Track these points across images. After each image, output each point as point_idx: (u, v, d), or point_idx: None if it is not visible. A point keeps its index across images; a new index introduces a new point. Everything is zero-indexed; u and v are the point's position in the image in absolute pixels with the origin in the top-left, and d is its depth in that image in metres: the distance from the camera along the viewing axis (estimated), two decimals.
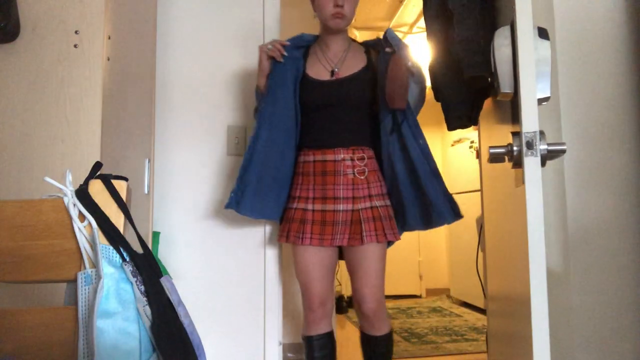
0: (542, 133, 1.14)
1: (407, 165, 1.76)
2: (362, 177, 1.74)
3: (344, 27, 1.82)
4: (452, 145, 4.59)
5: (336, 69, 1.81)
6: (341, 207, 1.72)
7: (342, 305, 4.08)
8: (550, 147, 1.16)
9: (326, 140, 1.77)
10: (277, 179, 1.79)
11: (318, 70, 1.82)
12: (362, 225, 1.70)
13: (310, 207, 1.74)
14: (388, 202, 1.79)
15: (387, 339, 1.79)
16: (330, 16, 1.75)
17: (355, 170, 1.74)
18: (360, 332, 1.83)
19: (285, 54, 1.78)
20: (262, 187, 1.77)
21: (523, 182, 1.14)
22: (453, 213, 1.76)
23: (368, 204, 1.73)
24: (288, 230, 1.75)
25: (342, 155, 1.75)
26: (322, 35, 1.87)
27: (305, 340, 1.78)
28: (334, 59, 1.84)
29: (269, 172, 1.77)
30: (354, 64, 1.82)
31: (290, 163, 1.81)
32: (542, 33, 1.23)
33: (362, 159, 1.76)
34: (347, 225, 1.72)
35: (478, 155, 2.80)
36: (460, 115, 1.80)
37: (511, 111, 1.32)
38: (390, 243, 1.83)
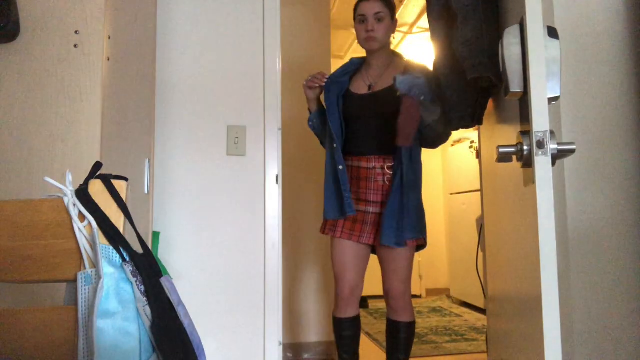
0: (552, 132, 1.13)
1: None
2: (389, 184, 1.92)
3: (377, 48, 2.03)
4: (452, 145, 4.59)
5: (373, 84, 2.03)
6: (371, 209, 1.94)
7: None
8: (560, 147, 1.15)
9: (361, 148, 1.98)
10: (337, 182, 1.98)
11: (359, 85, 2.06)
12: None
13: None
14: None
15: (409, 326, 2.00)
16: (364, 40, 2.01)
17: (386, 177, 1.94)
18: (386, 318, 2.06)
19: (325, 78, 2.00)
20: (328, 191, 2.01)
21: (533, 182, 1.13)
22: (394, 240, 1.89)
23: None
24: (325, 223, 2.01)
25: (373, 164, 1.95)
26: (366, 55, 2.11)
27: (335, 320, 2.03)
28: (373, 74, 2.06)
29: (332, 178, 2.00)
30: (390, 79, 1.95)
31: (344, 168, 1.98)
32: (552, 32, 1.23)
33: (392, 168, 1.94)
34: (374, 226, 1.94)
35: (478, 155, 2.80)
36: (463, 115, 1.79)
37: (520, 110, 1.31)
38: (421, 247, 2.02)
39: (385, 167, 1.94)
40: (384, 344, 3.17)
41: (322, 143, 2.17)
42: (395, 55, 2.12)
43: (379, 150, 1.95)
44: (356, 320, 2.04)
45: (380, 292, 2.06)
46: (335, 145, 1.97)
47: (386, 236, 1.86)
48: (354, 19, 2.06)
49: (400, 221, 1.87)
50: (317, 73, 2.01)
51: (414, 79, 1.85)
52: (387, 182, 1.93)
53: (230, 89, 2.15)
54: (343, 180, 1.94)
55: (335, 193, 1.97)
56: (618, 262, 1.66)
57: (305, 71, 2.86)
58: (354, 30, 2.15)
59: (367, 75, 2.07)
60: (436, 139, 1.99)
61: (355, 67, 2.12)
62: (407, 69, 1.98)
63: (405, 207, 1.87)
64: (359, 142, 1.99)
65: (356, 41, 2.17)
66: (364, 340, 3.22)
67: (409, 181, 1.88)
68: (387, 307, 2.04)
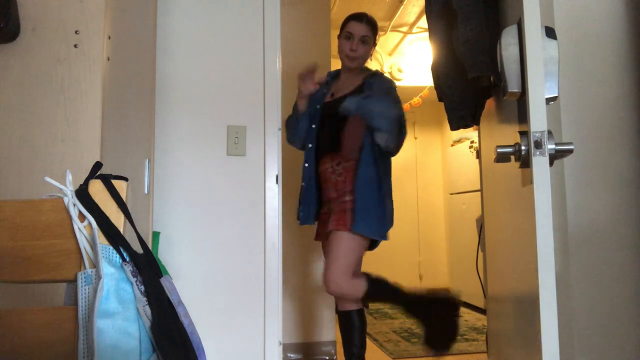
0: (550, 133, 1.13)
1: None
2: (341, 179, 2.08)
3: (355, 67, 2.19)
4: (452, 145, 4.59)
5: (335, 92, 2.19)
6: (332, 206, 2.10)
7: None
8: (558, 147, 1.15)
9: (321, 152, 2.15)
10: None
11: (328, 94, 2.22)
12: (331, 216, 2.06)
13: (321, 209, 2.18)
14: (350, 198, 2.05)
15: (350, 315, 2.09)
16: (346, 57, 2.17)
17: (336, 174, 2.09)
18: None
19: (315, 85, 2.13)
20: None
21: (531, 182, 1.13)
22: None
23: (342, 199, 2.06)
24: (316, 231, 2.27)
25: (325, 166, 2.12)
26: (340, 68, 2.27)
27: (337, 313, 2.23)
28: (340, 84, 2.22)
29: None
30: (349, 87, 2.16)
31: (306, 185, 2.20)
32: (550, 32, 1.23)
33: (339, 163, 2.08)
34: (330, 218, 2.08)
35: (478, 155, 2.80)
36: (463, 115, 1.79)
37: (518, 111, 1.31)
38: (375, 243, 2.11)
39: (334, 165, 2.09)
40: (384, 344, 3.18)
41: (290, 142, 2.31)
42: (366, 69, 2.27)
43: (330, 151, 2.11)
44: (349, 314, 2.12)
45: None
46: (306, 165, 2.17)
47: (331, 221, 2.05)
48: (340, 34, 2.21)
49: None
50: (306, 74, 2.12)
51: (361, 101, 2.02)
52: (337, 177, 2.08)
53: (230, 89, 2.15)
54: (303, 195, 2.18)
55: (298, 203, 2.22)
56: (618, 262, 1.66)
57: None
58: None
59: (335, 84, 2.25)
60: (388, 152, 2.12)
61: (332, 79, 2.30)
62: (369, 80, 2.15)
63: (357, 202, 2.01)
64: (320, 147, 2.16)
65: None
66: None
67: (364, 180, 2.02)
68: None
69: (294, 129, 2.23)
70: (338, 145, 2.06)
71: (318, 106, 2.18)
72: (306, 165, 2.17)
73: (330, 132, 2.12)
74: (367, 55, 2.19)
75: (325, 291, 2.05)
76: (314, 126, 2.17)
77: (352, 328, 2.11)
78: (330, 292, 2.03)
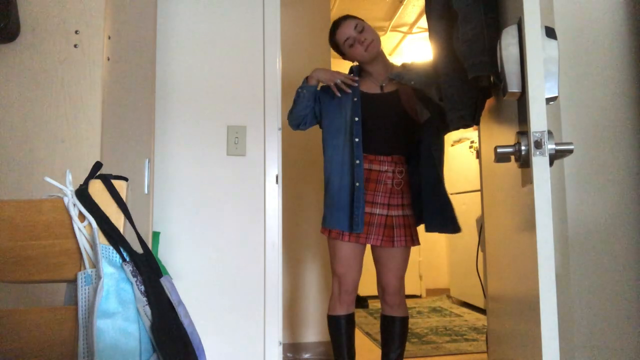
0: (550, 133, 1.13)
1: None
2: (398, 188, 2.02)
3: (378, 49, 2.08)
4: (452, 145, 4.59)
5: (383, 84, 2.10)
6: (377, 211, 1.99)
7: None
8: (558, 147, 1.15)
9: (375, 148, 2.02)
10: (350, 195, 2.03)
11: (369, 86, 2.10)
12: (394, 230, 1.99)
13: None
14: (412, 212, 2.06)
15: (402, 321, 2.07)
16: (364, 51, 2.04)
17: (394, 181, 2.02)
18: (381, 315, 2.13)
19: (348, 91, 2.02)
20: (339, 202, 2.05)
21: (530, 182, 1.13)
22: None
23: (400, 212, 2.01)
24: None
25: (386, 167, 2.01)
26: (366, 67, 2.13)
27: (336, 318, 2.06)
28: (379, 78, 2.12)
29: (342, 190, 2.04)
30: (394, 82, 2.09)
31: (361, 185, 2.04)
32: (550, 32, 1.23)
33: (401, 172, 2.03)
34: (380, 228, 1.99)
35: (478, 155, 2.80)
36: (463, 115, 1.79)
37: (518, 111, 1.31)
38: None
39: (396, 171, 2.02)
40: None
41: (300, 119, 2.09)
42: (390, 63, 2.21)
43: (391, 152, 2.02)
44: (354, 316, 2.11)
45: None
46: (357, 162, 1.97)
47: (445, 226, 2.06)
48: (342, 49, 2.10)
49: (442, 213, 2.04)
50: (350, 78, 2.04)
51: (402, 71, 2.05)
52: (395, 186, 2.01)
53: (230, 89, 2.15)
54: (358, 196, 1.94)
55: (347, 206, 1.97)
56: (618, 262, 1.66)
57: (305, 71, 2.86)
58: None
59: (373, 79, 2.12)
60: (443, 121, 2.02)
61: (357, 74, 2.17)
62: (404, 66, 2.14)
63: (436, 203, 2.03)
64: (374, 141, 2.02)
65: None
66: (364, 340, 3.23)
67: (430, 180, 2.02)
68: (382, 303, 2.11)
69: (295, 105, 2.07)
70: (399, 145, 2.03)
71: (356, 99, 2.04)
72: (357, 162, 1.97)
73: (390, 129, 2.04)
74: (375, 33, 2.09)
75: (387, 299, 2.06)
76: (357, 119, 2.00)
77: (341, 333, 2.06)
78: (393, 302, 2.06)
